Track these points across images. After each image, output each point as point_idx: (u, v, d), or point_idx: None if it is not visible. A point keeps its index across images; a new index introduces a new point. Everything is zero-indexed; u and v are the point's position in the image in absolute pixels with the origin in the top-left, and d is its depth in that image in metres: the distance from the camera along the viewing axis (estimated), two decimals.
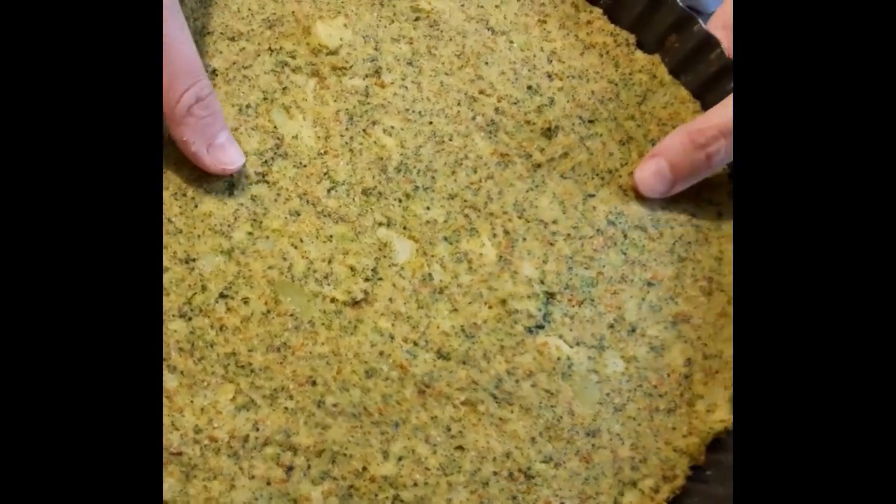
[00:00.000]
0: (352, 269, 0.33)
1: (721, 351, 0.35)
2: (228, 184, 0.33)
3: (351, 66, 0.37)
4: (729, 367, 0.35)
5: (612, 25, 0.41)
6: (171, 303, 0.31)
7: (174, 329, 0.31)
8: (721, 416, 0.34)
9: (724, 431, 0.34)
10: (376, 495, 0.30)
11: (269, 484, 0.30)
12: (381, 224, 0.34)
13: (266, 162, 0.34)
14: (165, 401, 0.30)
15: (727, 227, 0.38)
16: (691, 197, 0.38)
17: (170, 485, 0.29)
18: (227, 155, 0.33)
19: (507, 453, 0.31)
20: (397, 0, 0.38)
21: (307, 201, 0.34)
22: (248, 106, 0.35)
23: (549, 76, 0.39)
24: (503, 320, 0.34)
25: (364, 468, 0.30)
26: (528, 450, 0.32)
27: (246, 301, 0.32)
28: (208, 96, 0.33)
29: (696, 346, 0.35)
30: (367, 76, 0.37)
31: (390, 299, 0.33)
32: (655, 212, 0.37)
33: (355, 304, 0.32)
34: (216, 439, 0.30)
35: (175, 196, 0.33)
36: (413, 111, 0.36)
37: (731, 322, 0.36)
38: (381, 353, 0.32)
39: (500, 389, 0.32)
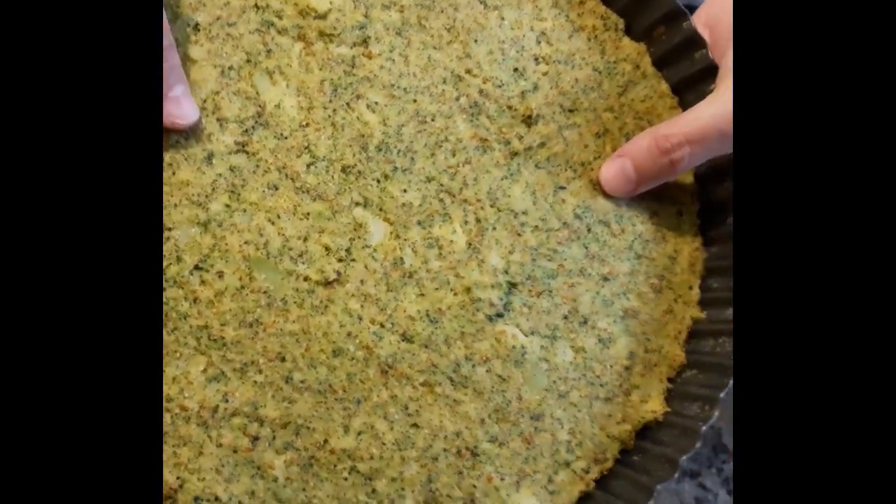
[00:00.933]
0: (326, 248, 0.34)
1: (661, 346, 0.38)
2: (208, 153, 0.34)
3: (339, 33, 0.36)
4: (667, 360, 0.38)
5: (604, 8, 0.41)
6: None
7: None
8: (654, 406, 0.37)
9: (654, 421, 0.37)
10: (335, 466, 0.33)
11: (235, 452, 0.32)
12: (357, 204, 0.35)
13: (246, 131, 0.34)
14: None
15: (686, 227, 0.40)
16: (655, 195, 0.40)
17: None
18: (179, 109, 0.33)
19: (457, 432, 0.34)
20: None
21: (286, 175, 0.35)
22: (230, 68, 0.35)
23: (536, 59, 0.40)
24: (466, 307, 0.36)
25: (325, 441, 0.33)
26: (476, 430, 0.35)
27: (220, 275, 0.33)
28: (167, 49, 0.32)
29: (639, 340, 0.38)
30: (354, 44, 0.37)
31: (361, 281, 0.34)
32: (620, 207, 0.39)
33: (328, 283, 0.34)
34: (186, 408, 0.32)
35: None
36: (398, 87, 0.37)
37: (675, 319, 0.39)
38: (349, 334, 0.34)
39: (457, 373, 0.35)
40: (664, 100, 0.41)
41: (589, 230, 0.39)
